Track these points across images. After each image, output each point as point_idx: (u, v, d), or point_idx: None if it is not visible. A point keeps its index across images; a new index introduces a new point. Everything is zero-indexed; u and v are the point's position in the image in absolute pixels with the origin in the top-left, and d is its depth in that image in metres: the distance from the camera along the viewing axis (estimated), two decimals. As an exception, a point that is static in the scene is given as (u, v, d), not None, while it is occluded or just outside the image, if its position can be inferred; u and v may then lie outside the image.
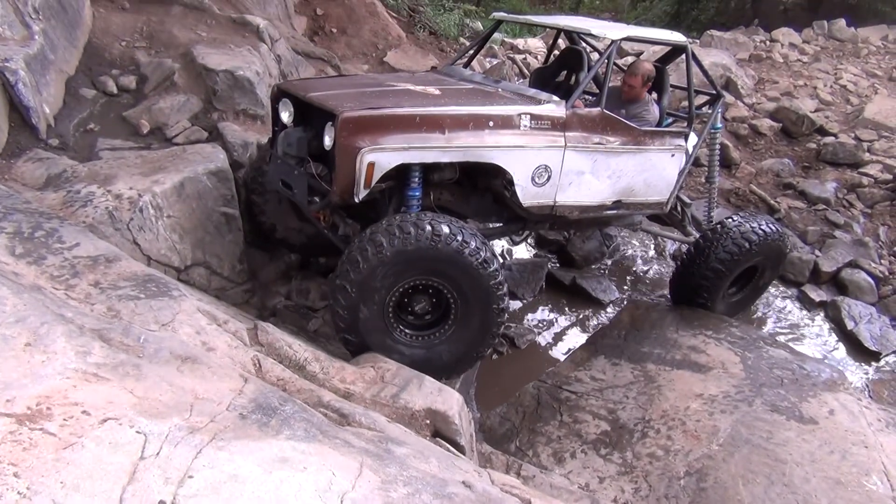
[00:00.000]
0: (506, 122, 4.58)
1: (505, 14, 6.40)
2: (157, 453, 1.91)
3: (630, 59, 9.04)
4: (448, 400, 3.70)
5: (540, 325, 6.35)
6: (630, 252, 7.73)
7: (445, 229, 4.05)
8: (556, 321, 6.46)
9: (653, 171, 5.40)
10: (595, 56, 6.08)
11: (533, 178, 4.75)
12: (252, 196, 5.43)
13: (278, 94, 4.80)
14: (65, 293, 3.25)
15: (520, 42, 12.73)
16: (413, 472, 2.43)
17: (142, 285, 3.50)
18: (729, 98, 10.19)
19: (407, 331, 4.39)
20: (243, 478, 1.89)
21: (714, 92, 6.01)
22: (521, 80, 9.55)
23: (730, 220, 5.82)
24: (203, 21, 6.71)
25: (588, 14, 25.18)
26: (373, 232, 4.03)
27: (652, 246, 7.83)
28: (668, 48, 5.95)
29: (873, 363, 6.40)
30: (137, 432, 1.97)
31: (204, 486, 1.82)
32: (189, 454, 1.93)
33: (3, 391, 2.03)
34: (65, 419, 1.95)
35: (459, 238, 4.07)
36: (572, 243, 7.21)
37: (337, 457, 2.21)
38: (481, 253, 4.14)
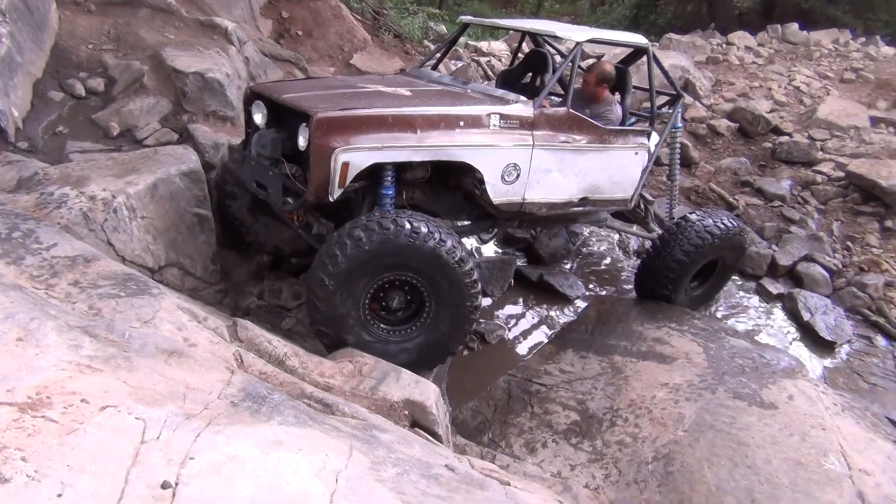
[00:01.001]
0: (476, 122, 4.69)
1: (472, 17, 6.53)
2: (158, 437, 1.98)
3: (591, 62, 9.22)
4: (425, 391, 3.80)
5: (509, 320, 6.48)
6: (595, 249, 7.90)
7: (423, 227, 4.15)
8: (525, 317, 6.59)
9: (617, 168, 5.56)
10: (559, 58, 6.23)
11: (502, 177, 4.87)
12: (223, 198, 5.46)
13: (251, 96, 4.86)
14: (45, 292, 3.28)
15: (484, 45, 12.87)
16: (400, 455, 2.53)
17: (121, 284, 3.54)
18: (688, 99, 10.44)
19: (382, 325, 4.47)
20: (242, 458, 1.97)
21: (674, 92, 6.20)
22: (487, 83, 9.69)
23: (692, 215, 6.02)
24: (171, 23, 6.73)
25: (548, 17, 25.48)
26: (352, 227, 4.11)
27: (616, 243, 8.01)
28: (630, 50, 6.12)
29: (829, 352, 6.63)
30: (136, 418, 2.04)
31: (205, 467, 1.90)
32: (188, 438, 2.01)
33: (2, 382, 2.08)
34: (65, 407, 2.01)
35: (437, 236, 4.18)
36: (539, 241, 7.36)
37: (328, 440, 2.30)
38: (457, 251, 4.27)
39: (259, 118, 4.77)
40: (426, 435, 3.55)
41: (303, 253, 5.78)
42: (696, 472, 4.19)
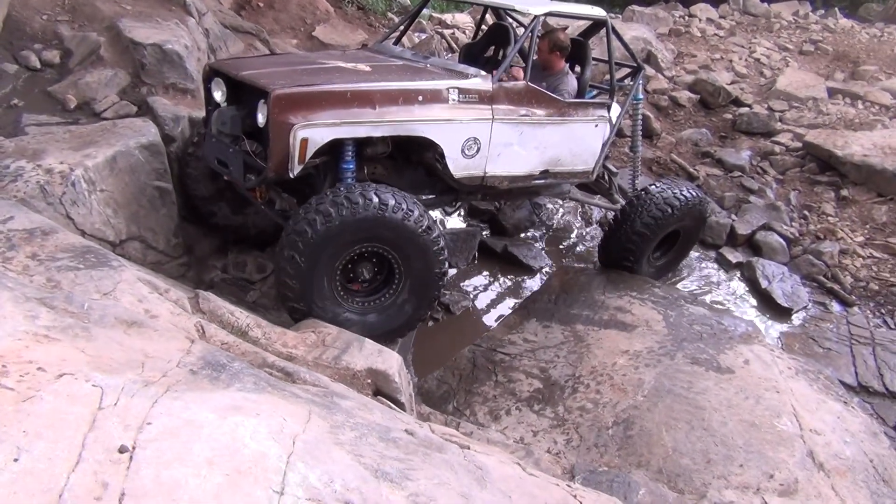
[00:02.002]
0: (435, 97, 4.70)
1: None
2: (115, 404, 1.99)
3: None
4: (388, 360, 3.84)
5: (474, 291, 6.54)
6: (559, 220, 7.98)
7: (391, 199, 4.19)
8: (490, 287, 6.66)
9: (578, 141, 5.61)
10: (522, 32, 6.23)
11: (463, 151, 4.90)
12: (186, 180, 5.44)
13: (210, 74, 4.82)
14: (2, 265, 3.25)
15: (448, 17, 12.82)
16: (359, 420, 2.57)
17: (80, 256, 3.51)
18: (650, 71, 10.53)
19: (355, 298, 4.52)
20: (200, 423, 2.00)
21: (635, 65, 6.25)
22: (450, 55, 9.68)
23: (653, 186, 6.10)
24: (128, -7, 6.60)
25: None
26: (320, 202, 4.11)
27: (579, 214, 8.10)
28: (590, 23, 6.15)
29: (785, 319, 6.81)
30: (94, 385, 2.05)
31: (162, 431, 1.92)
32: (146, 404, 2.03)
33: (-44, 352, 2.08)
34: (21, 375, 2.01)
35: (404, 207, 4.23)
36: (503, 212, 7.41)
37: (287, 405, 2.34)
38: (423, 220, 4.32)
39: (219, 95, 4.74)
40: (388, 402, 3.60)
41: (263, 234, 5.78)
42: (655, 436, 4.31)
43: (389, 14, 10.98)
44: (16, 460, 1.70)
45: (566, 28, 10.11)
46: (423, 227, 4.31)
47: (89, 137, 4.96)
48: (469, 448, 3.02)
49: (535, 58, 5.46)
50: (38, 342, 2.24)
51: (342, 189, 4.20)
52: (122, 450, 1.83)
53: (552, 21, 11.26)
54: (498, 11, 6.18)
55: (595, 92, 6.18)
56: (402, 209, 4.22)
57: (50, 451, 1.76)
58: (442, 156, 4.82)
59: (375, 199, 4.14)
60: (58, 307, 2.74)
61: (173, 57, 5.96)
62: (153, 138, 5.17)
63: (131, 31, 5.98)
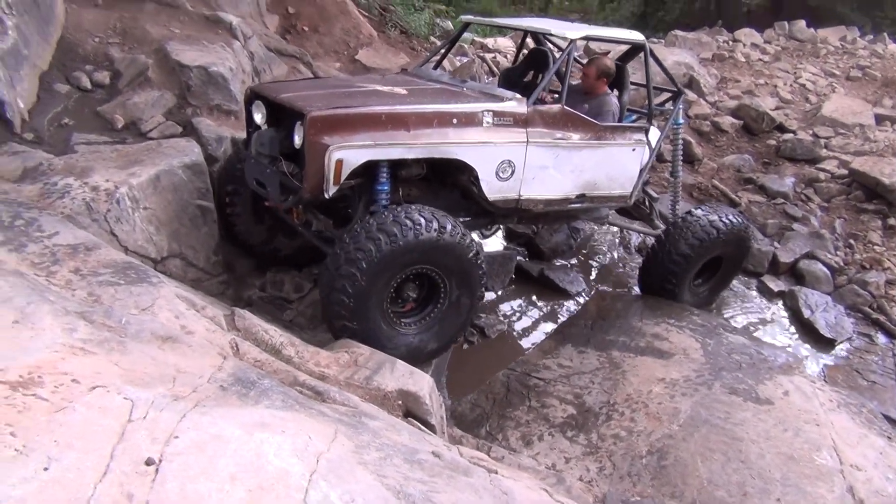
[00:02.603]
0: (469, 119, 4.74)
1: (472, 17, 6.60)
2: (144, 417, 2.03)
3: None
4: (419, 381, 3.84)
5: (509, 315, 6.52)
6: (597, 245, 7.93)
7: (448, 223, 4.33)
8: (525, 311, 6.63)
9: (614, 165, 5.59)
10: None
11: (497, 173, 4.92)
12: (225, 203, 5.49)
13: (251, 96, 4.93)
14: (46, 279, 3.34)
15: (490, 41, 12.91)
16: (385, 440, 2.57)
17: (121, 272, 3.59)
18: (692, 96, 10.45)
19: (404, 319, 4.63)
20: (226, 438, 2.02)
21: (675, 89, 6.21)
22: (491, 79, 9.74)
23: (695, 211, 6.04)
24: (176, 18, 6.79)
25: (557, 15, 25.49)
26: (381, 223, 4.18)
27: (618, 239, 8.04)
28: (628, 47, 6.15)
29: (829, 350, 6.64)
30: (125, 398, 2.09)
31: (189, 445, 1.95)
32: (174, 418, 2.06)
33: (-4, 362, 2.14)
34: (56, 386, 2.06)
35: (458, 230, 4.39)
36: (541, 236, 7.39)
37: (313, 423, 2.35)
38: (473, 245, 4.49)
39: (259, 117, 4.85)
40: (418, 424, 3.59)
41: (289, 261, 5.93)
42: (690, 466, 4.23)
43: (432, 38, 11.11)
44: (45, 469, 1.74)
45: (608, 52, 10.14)
46: (473, 252, 4.49)
47: (135, 156, 5.09)
48: (496, 472, 3.00)
49: (576, 82, 5.47)
50: (74, 354, 2.30)
51: (401, 210, 4.27)
52: (148, 462, 1.86)
53: (595, 45, 11.31)
54: (537, 36, 6.22)
55: (634, 116, 6.16)
56: (457, 232, 4.38)
57: (79, 461, 1.80)
58: (476, 178, 4.85)
59: (435, 223, 4.27)
60: (96, 321, 2.81)
61: (218, 79, 6.10)
62: (196, 158, 5.29)
63: (178, 53, 6.15)
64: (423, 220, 4.22)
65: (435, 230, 4.25)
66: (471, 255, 4.48)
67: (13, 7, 5.34)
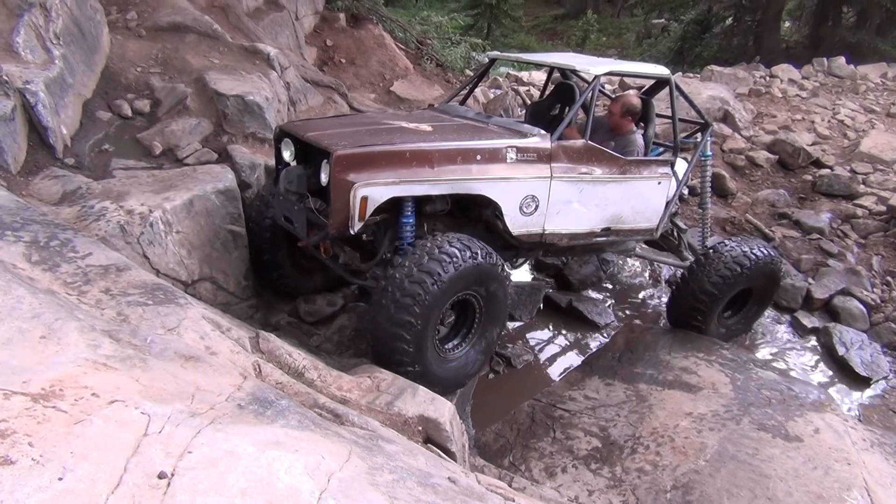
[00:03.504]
0: (493, 156, 4.79)
1: (498, 53, 6.69)
2: (160, 431, 2.07)
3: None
4: (440, 408, 3.84)
5: (536, 345, 6.50)
6: (626, 277, 7.88)
7: (478, 248, 4.43)
8: (552, 342, 6.60)
9: (639, 198, 5.60)
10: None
11: (521, 208, 4.96)
12: (257, 240, 5.53)
13: (280, 135, 5.02)
14: (77, 298, 3.43)
15: (524, 75, 13.03)
16: (400, 463, 2.58)
17: (150, 293, 3.67)
18: (726, 130, 10.40)
19: (448, 346, 4.78)
20: (238, 454, 2.05)
21: (702, 121, 6.20)
22: (524, 111, 9.81)
23: (723, 244, 5.99)
24: (216, 49, 6.98)
25: (594, 50, 25.64)
26: (419, 263, 4.23)
27: (648, 271, 7.98)
28: (654, 81, 6.17)
29: (864, 388, 6.49)
30: (142, 413, 2.14)
31: (201, 460, 1.98)
32: (189, 434, 2.09)
33: (20, 374, 2.20)
34: (76, 399, 2.12)
35: (495, 257, 4.53)
36: (570, 267, 7.38)
37: (327, 444, 2.37)
38: (506, 268, 4.66)
39: (287, 155, 4.94)
40: (438, 451, 3.59)
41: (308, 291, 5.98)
42: (716, 502, 4.15)
43: (467, 71, 11.25)
44: (60, 479, 1.78)
45: (642, 87, 10.18)
46: (508, 277, 4.66)
47: (170, 182, 5.22)
48: (514, 501, 2.98)
49: (601, 115, 5.48)
50: (96, 370, 2.35)
51: (434, 244, 4.32)
52: (161, 476, 1.89)
53: (628, 79, 11.34)
54: (564, 71, 6.27)
55: (660, 149, 6.15)
56: (494, 259, 4.53)
57: (93, 472, 1.84)
58: (500, 213, 4.89)
59: (468, 251, 4.38)
60: (122, 339, 2.87)
61: (254, 108, 6.24)
62: (229, 184, 5.41)
63: (216, 83, 6.31)
64: (457, 251, 4.29)
65: (472, 258, 4.34)
66: (507, 280, 4.69)
67: (61, 38, 5.55)
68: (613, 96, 6.04)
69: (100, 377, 2.31)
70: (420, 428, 3.72)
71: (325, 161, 4.38)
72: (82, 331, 2.66)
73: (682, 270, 6.35)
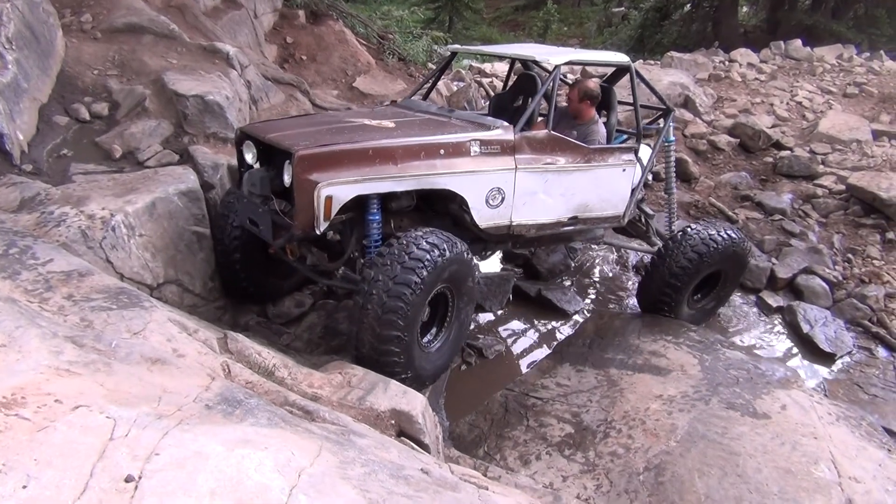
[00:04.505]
0: (456, 150, 4.79)
1: (459, 46, 6.70)
2: (126, 435, 2.05)
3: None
4: (412, 401, 3.85)
5: (507, 335, 6.53)
6: (594, 264, 7.95)
7: (444, 243, 4.41)
8: (523, 332, 6.63)
9: (605, 186, 5.64)
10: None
11: (487, 201, 4.97)
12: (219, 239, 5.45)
13: (241, 137, 4.96)
14: (39, 306, 3.38)
15: (487, 66, 13.04)
16: (372, 456, 2.58)
17: (114, 297, 3.63)
18: (688, 115, 10.52)
19: (425, 340, 4.79)
20: (206, 454, 2.04)
21: (664, 107, 6.26)
22: (487, 102, 9.83)
23: (690, 227, 6.06)
24: (174, 49, 6.89)
25: (556, 40, 25.75)
26: (393, 275, 4.18)
27: (615, 257, 8.05)
28: (614, 69, 6.22)
29: (829, 364, 6.62)
30: (107, 417, 2.12)
31: (169, 462, 1.97)
32: (156, 436, 2.08)
33: (-20, 384, 2.17)
34: (38, 406, 2.09)
35: (458, 243, 4.52)
36: (537, 256, 7.41)
37: (297, 440, 2.37)
38: (469, 251, 4.65)
39: (250, 157, 4.90)
40: (411, 444, 3.60)
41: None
42: (687, 482, 4.21)
43: (430, 64, 11.21)
44: (24, 487, 1.76)
45: (605, 76, 10.24)
46: (476, 268, 4.68)
47: (131, 185, 5.16)
48: (486, 489, 3.00)
49: (565, 105, 5.51)
50: (59, 376, 2.32)
51: (406, 244, 4.29)
52: (128, 479, 1.88)
53: (590, 68, 11.41)
54: (525, 62, 6.29)
55: (624, 136, 6.20)
56: (467, 251, 4.56)
57: (58, 479, 1.82)
58: (467, 207, 4.90)
59: (458, 245, 4.46)
60: (86, 344, 2.84)
61: (214, 108, 6.18)
62: (192, 185, 5.35)
63: (175, 83, 6.24)
64: (426, 253, 4.27)
65: (439, 255, 4.33)
66: (476, 270, 4.71)
67: (13, 42, 5.45)
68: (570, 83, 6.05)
69: (63, 383, 2.28)
70: (393, 421, 3.72)
71: (288, 162, 4.34)
72: (44, 337, 2.62)
73: (650, 256, 6.42)
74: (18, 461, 1.84)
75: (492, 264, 7.44)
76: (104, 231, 4.57)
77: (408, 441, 3.63)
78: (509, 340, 6.46)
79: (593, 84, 5.72)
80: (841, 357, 6.68)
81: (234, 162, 5.77)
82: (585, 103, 5.65)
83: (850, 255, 8.01)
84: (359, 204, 4.53)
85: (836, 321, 7.12)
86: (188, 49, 7.02)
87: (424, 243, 4.28)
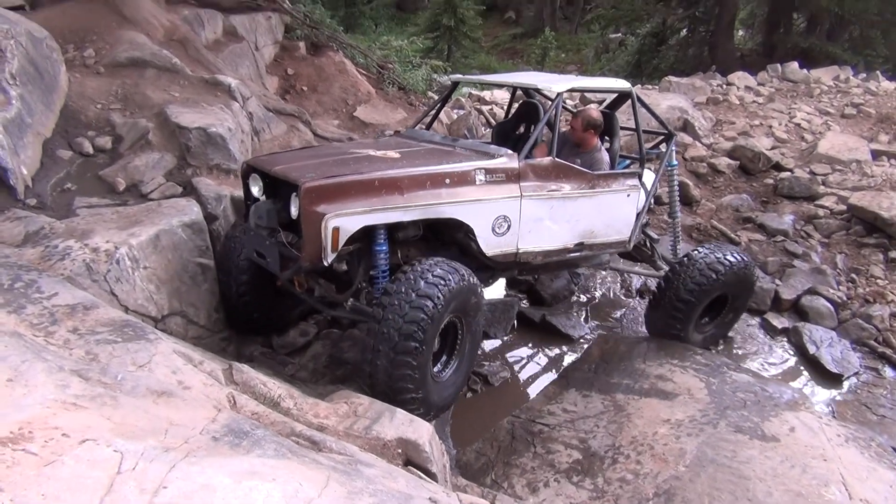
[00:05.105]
0: (462, 178, 4.81)
1: (461, 76, 6.76)
2: (133, 468, 2.04)
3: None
4: (419, 430, 3.82)
5: (512, 362, 6.50)
6: (598, 289, 7.94)
7: (462, 269, 4.49)
8: (528, 358, 6.61)
9: (610, 212, 5.65)
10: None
11: (493, 229, 4.98)
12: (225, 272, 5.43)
13: (248, 170, 4.97)
14: (44, 339, 3.38)
15: (486, 94, 13.13)
16: (380, 486, 2.56)
17: (119, 330, 3.63)
18: (687, 139, 10.57)
19: (436, 369, 4.75)
20: (214, 486, 2.03)
21: (666, 131, 6.30)
22: (487, 130, 9.89)
23: (697, 251, 6.06)
24: (176, 82, 6.96)
25: (554, 67, 25.95)
26: (415, 288, 4.21)
27: (619, 282, 8.04)
28: (615, 95, 6.26)
29: (836, 385, 6.57)
30: (114, 451, 2.11)
31: (177, 495, 1.96)
32: (163, 469, 2.07)
33: (-13, 419, 2.16)
34: (45, 441, 2.08)
35: (473, 275, 4.56)
36: (541, 282, 7.41)
37: (305, 471, 2.35)
38: (480, 286, 4.70)
39: (256, 190, 4.91)
40: (418, 472, 3.57)
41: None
42: (697, 507, 4.17)
43: (429, 93, 11.31)
44: (32, 523, 1.75)
45: (603, 101, 10.31)
46: (483, 296, 4.70)
47: (135, 217, 5.18)
48: (495, 517, 2.97)
49: (567, 132, 5.53)
50: (65, 410, 2.32)
51: (424, 269, 4.31)
52: (136, 513, 1.86)
53: (590, 94, 11.50)
54: (526, 90, 6.34)
55: (627, 161, 6.23)
56: (475, 280, 4.58)
57: (66, 513, 1.81)
58: (473, 235, 4.90)
59: (465, 273, 4.46)
60: (92, 378, 2.83)
61: (217, 139, 6.22)
62: (195, 217, 5.37)
63: (178, 116, 6.29)
64: (447, 273, 4.32)
65: (465, 280, 4.41)
66: (483, 299, 4.71)
67: (17, 77, 5.50)
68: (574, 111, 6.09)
69: (70, 417, 2.27)
70: (399, 450, 3.70)
71: (295, 194, 4.35)
72: (50, 371, 2.62)
73: (656, 280, 6.41)
74: (26, 496, 1.83)
75: (496, 290, 7.42)
76: (109, 264, 4.58)
77: (415, 470, 3.60)
78: (515, 367, 6.44)
79: (596, 113, 5.74)
80: (848, 378, 6.63)
81: (238, 193, 5.81)
82: (589, 132, 5.67)
83: (853, 275, 8.00)
84: (366, 234, 4.53)
85: (842, 342, 7.09)
86: (190, 82, 7.09)
87: (432, 275, 4.28)
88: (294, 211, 4.43)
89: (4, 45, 5.48)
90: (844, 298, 7.66)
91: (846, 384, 6.59)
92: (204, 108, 6.64)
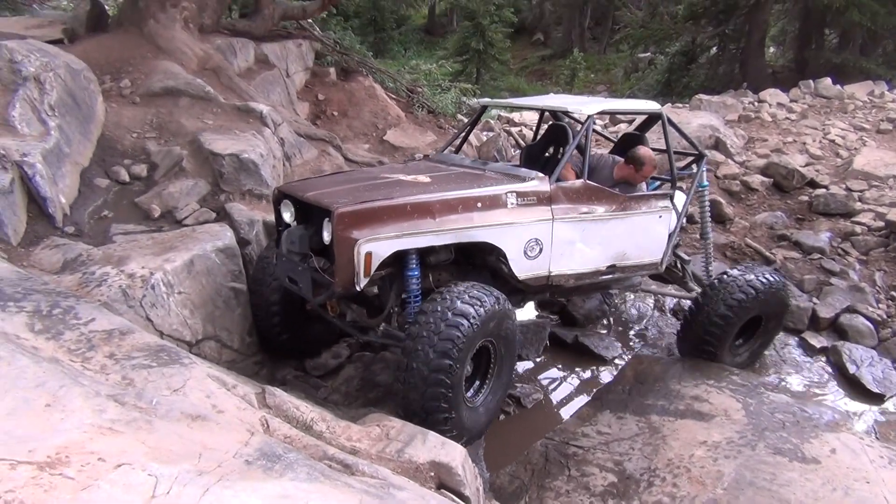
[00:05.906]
0: (493, 202, 4.82)
1: (489, 100, 6.80)
2: (168, 492, 2.06)
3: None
4: (451, 452, 3.80)
5: (546, 383, 6.46)
6: (630, 309, 7.86)
7: (497, 292, 4.50)
8: (561, 379, 6.56)
9: (642, 234, 5.62)
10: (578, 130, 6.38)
11: (525, 252, 4.97)
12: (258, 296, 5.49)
13: (279, 196, 5.02)
14: (81, 365, 3.43)
15: (515, 116, 13.17)
16: (412, 510, 2.55)
17: (154, 355, 3.68)
18: (719, 157, 10.48)
19: (469, 394, 4.74)
20: (247, 510, 2.04)
21: (697, 152, 6.26)
22: (517, 151, 9.91)
23: (732, 271, 5.99)
24: (209, 110, 7.09)
25: (583, 88, 25.98)
26: (452, 307, 4.22)
27: (652, 302, 7.96)
28: (646, 116, 6.24)
29: (878, 405, 6.42)
30: (149, 475, 2.13)
31: (210, 519, 1.97)
32: (197, 493, 2.08)
33: (25, 444, 2.20)
34: (82, 465, 2.11)
35: (507, 300, 4.54)
36: (573, 303, 7.37)
37: (337, 494, 2.35)
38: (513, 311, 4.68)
39: (288, 216, 4.95)
40: (451, 496, 3.55)
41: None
42: (737, 531, 4.09)
43: (459, 116, 11.37)
44: (69, 546, 1.77)
45: (631, 122, 10.28)
46: (515, 318, 4.71)
47: (170, 243, 5.26)
48: (529, 541, 2.94)
49: (598, 154, 5.51)
50: (102, 434, 2.35)
51: (452, 298, 4.29)
52: (171, 537, 1.88)
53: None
54: (555, 113, 6.34)
55: (658, 183, 6.19)
56: (506, 303, 4.56)
57: (102, 537, 1.82)
58: (505, 259, 4.90)
59: (500, 297, 4.46)
60: (128, 402, 2.87)
61: (249, 165, 6.31)
62: (229, 242, 5.45)
63: (211, 143, 6.40)
64: (484, 295, 4.33)
65: (495, 301, 4.38)
66: (513, 315, 4.68)
67: (56, 109, 5.65)
68: (628, 155, 5.92)
69: (106, 441, 2.30)
70: (432, 474, 3.68)
71: (327, 219, 4.39)
72: (87, 396, 2.66)
73: (689, 301, 6.33)
74: (63, 521, 1.86)
75: (527, 312, 7.40)
76: (144, 289, 4.65)
77: (448, 493, 3.58)
78: (548, 388, 6.39)
79: (646, 152, 5.69)
80: (890, 397, 6.47)
81: (270, 218, 5.87)
82: (641, 173, 5.66)
83: (893, 293, 7.83)
84: (398, 259, 4.55)
85: (882, 360, 6.93)
86: (223, 109, 7.21)
87: (466, 297, 4.27)
88: (326, 236, 4.47)
89: (44, 78, 5.64)
90: (884, 316, 7.50)
91: (889, 404, 6.43)
92: (236, 134, 6.75)
